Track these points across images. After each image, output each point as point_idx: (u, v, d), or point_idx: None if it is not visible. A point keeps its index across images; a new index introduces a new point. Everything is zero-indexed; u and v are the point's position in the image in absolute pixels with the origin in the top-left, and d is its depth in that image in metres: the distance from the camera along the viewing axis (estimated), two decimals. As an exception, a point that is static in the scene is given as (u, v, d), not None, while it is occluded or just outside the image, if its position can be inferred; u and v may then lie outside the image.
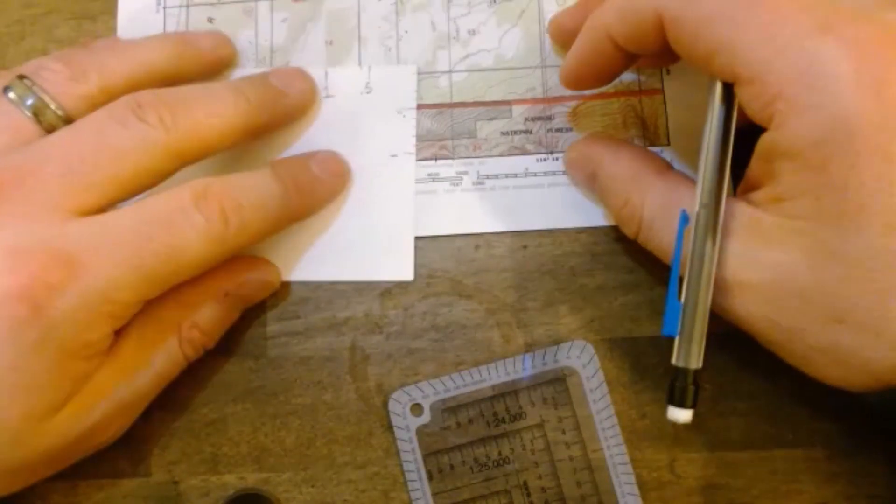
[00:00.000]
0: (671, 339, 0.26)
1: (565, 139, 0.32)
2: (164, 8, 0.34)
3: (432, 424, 0.31)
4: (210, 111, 0.27)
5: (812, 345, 0.23)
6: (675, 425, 0.29)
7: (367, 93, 0.33)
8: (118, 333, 0.27)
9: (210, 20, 0.34)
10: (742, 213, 0.24)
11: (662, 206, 0.27)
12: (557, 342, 0.31)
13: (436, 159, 0.33)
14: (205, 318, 0.29)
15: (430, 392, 0.31)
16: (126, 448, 0.30)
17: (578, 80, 0.29)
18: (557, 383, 0.31)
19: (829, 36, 0.21)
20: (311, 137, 0.33)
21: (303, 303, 0.32)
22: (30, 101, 0.26)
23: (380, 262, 0.32)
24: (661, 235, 0.27)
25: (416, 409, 0.31)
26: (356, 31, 0.34)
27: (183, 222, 0.25)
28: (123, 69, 0.28)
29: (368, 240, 0.32)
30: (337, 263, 0.32)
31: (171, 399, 0.30)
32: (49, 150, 0.25)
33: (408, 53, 0.33)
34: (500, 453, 0.30)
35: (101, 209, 0.25)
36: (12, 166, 0.25)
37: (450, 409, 0.31)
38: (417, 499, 0.30)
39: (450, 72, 0.33)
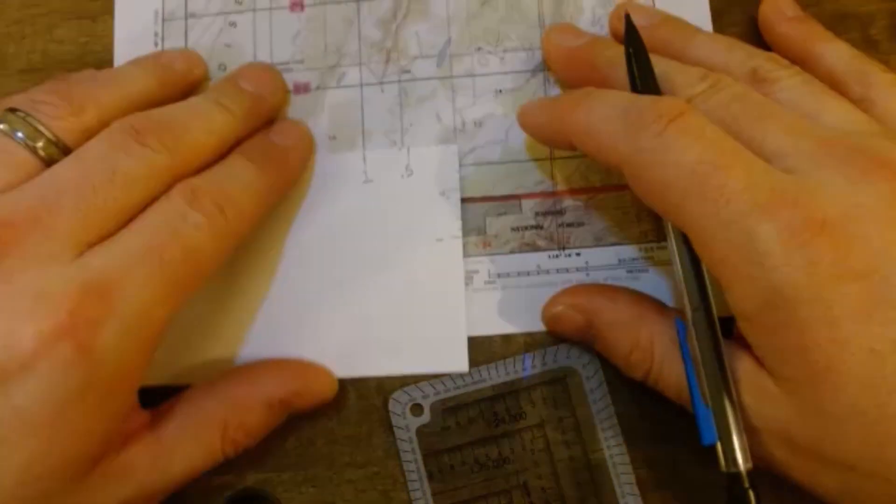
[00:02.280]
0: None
1: (577, 234, 0.32)
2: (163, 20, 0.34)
3: (432, 425, 0.31)
4: (203, 128, 0.28)
5: (832, 488, 0.24)
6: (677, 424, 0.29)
7: (409, 175, 0.32)
8: (158, 418, 0.28)
9: None
10: (742, 362, 0.25)
11: (673, 341, 0.27)
12: (557, 342, 0.31)
13: None
14: (253, 422, 0.29)
15: (430, 392, 0.31)
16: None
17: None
18: (557, 383, 0.31)
19: (765, 217, 0.22)
20: (352, 223, 0.32)
21: (303, 303, 0.32)
22: (31, 139, 0.26)
23: (432, 354, 0.31)
24: (673, 371, 0.27)
25: (417, 409, 0.31)
26: (360, 124, 0.33)
27: (185, 225, 0.25)
28: (115, 100, 0.28)
29: (419, 331, 0.31)
30: (389, 357, 0.31)
31: (171, 399, 0.30)
32: (60, 184, 0.25)
33: (413, 146, 0.33)
34: (500, 453, 0.30)
35: (109, 235, 0.25)
36: (25, 205, 0.24)
37: (450, 409, 0.31)
38: (418, 499, 0.30)
39: (459, 166, 0.32)
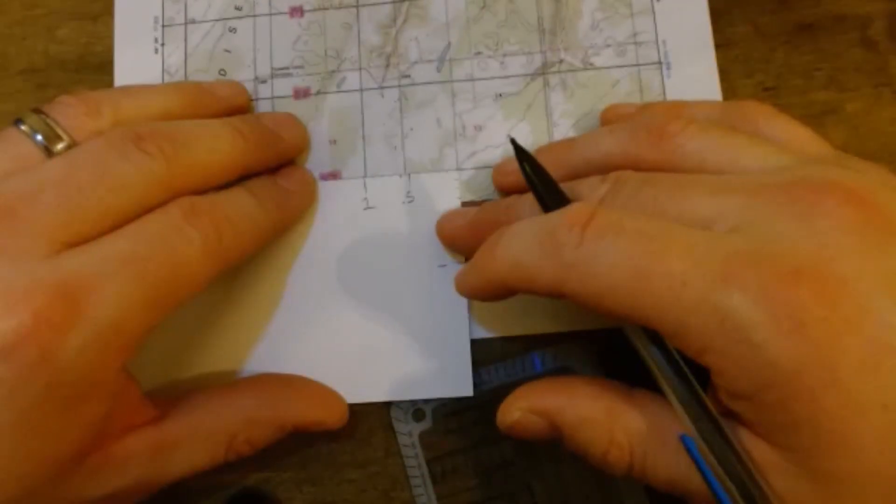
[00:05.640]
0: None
1: None
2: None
3: (435, 429, 0.31)
4: (209, 146, 0.27)
5: None
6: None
7: (409, 202, 0.32)
8: (166, 414, 0.27)
9: None
10: (744, 441, 0.23)
11: (650, 433, 0.24)
12: (557, 343, 0.31)
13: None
14: (262, 438, 0.29)
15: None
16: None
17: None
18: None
19: (731, 288, 0.20)
20: (354, 250, 0.32)
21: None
22: (41, 132, 0.25)
23: (437, 379, 0.31)
24: (659, 465, 0.24)
25: (419, 413, 0.31)
26: (360, 129, 0.33)
27: (178, 239, 0.24)
28: (137, 110, 0.27)
29: (424, 357, 0.31)
30: (394, 383, 0.31)
31: (172, 400, 0.31)
32: (45, 179, 0.24)
33: (414, 151, 0.33)
34: (503, 456, 0.30)
35: (92, 239, 0.24)
36: (5, 194, 0.23)
37: (452, 412, 0.31)
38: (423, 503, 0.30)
39: (458, 169, 0.32)
